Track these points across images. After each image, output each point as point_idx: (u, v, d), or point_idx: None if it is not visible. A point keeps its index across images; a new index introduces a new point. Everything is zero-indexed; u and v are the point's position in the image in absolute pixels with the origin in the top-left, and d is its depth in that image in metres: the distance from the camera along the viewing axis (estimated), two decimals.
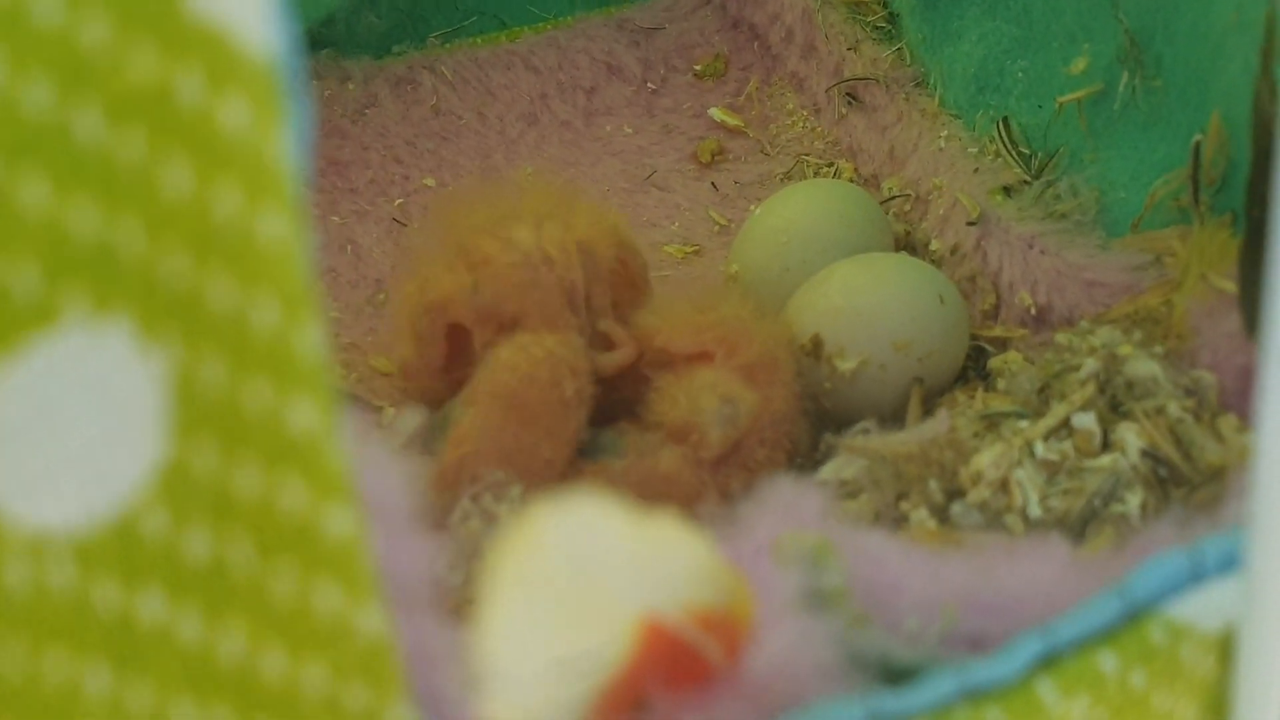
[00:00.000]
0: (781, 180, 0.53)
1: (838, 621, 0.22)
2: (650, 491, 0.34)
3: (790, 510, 0.25)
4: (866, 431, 0.35)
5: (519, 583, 0.17)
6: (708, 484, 0.35)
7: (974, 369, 0.44)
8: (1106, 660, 0.21)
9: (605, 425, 0.35)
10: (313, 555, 0.16)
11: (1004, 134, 0.47)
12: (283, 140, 0.15)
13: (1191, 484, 0.33)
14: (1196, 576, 0.22)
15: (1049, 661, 0.21)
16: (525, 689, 0.16)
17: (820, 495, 0.26)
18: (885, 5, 0.53)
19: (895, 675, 0.22)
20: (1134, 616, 0.21)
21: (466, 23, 0.57)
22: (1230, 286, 0.36)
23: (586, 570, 0.17)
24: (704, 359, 0.36)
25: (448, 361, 0.35)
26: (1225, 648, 0.21)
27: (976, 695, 0.21)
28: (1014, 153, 0.47)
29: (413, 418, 0.20)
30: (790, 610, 0.22)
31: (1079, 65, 0.44)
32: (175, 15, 0.15)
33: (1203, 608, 0.21)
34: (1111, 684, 0.21)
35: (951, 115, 0.49)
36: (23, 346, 0.15)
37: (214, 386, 0.16)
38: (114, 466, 0.15)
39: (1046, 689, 0.21)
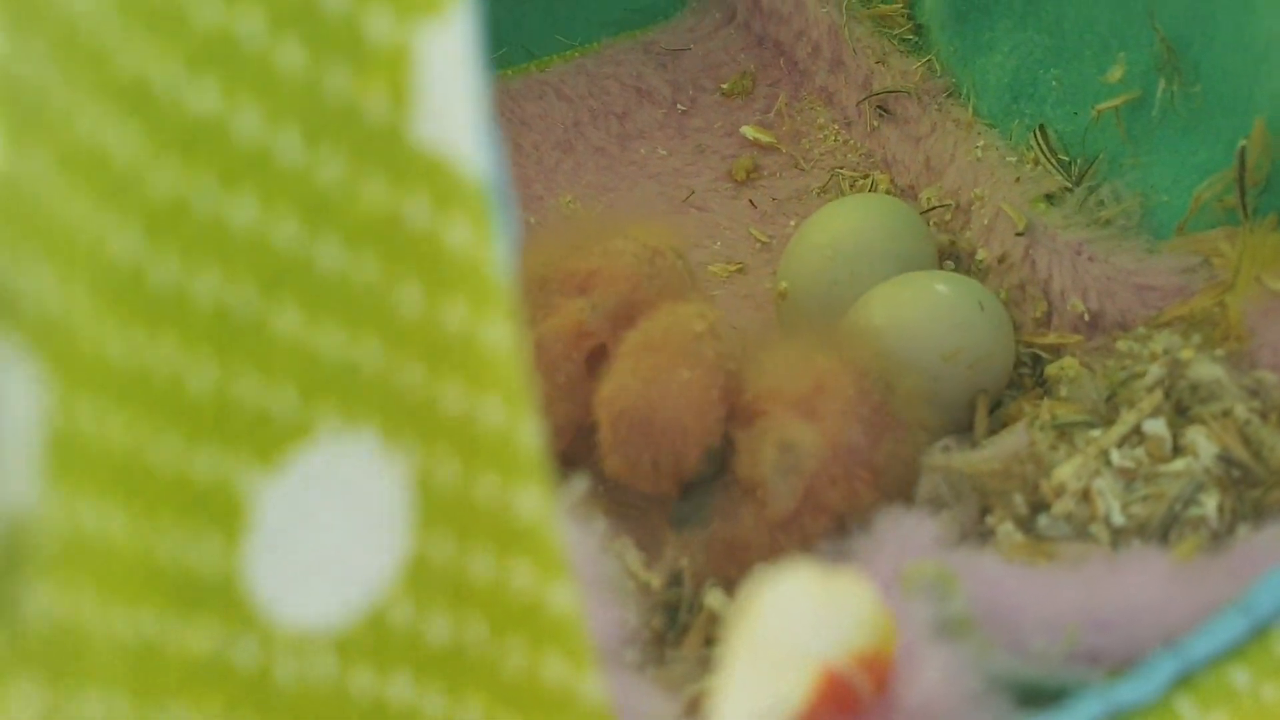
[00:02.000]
0: (818, 195, 0.54)
1: (971, 648, 0.24)
2: (729, 558, 0.33)
3: (905, 541, 0.27)
4: (947, 449, 0.36)
5: (743, 647, 0.18)
6: (781, 540, 0.33)
7: (1031, 376, 0.45)
8: (1239, 675, 0.22)
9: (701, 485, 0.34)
10: (540, 631, 0.17)
11: (1042, 142, 0.48)
12: (499, 254, 0.16)
13: (1265, 484, 0.35)
14: None
15: (1185, 679, 0.22)
16: None
17: (932, 524, 0.27)
18: (911, 18, 0.53)
19: (1030, 695, 0.23)
20: (1259, 631, 0.23)
21: (497, 54, 0.57)
22: None
23: (786, 633, 0.18)
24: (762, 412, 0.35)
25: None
26: None
27: (1121, 715, 0.22)
28: (1053, 160, 0.47)
29: (580, 483, 0.22)
30: (931, 641, 0.23)
31: (1115, 73, 0.45)
32: (402, 147, 0.16)
33: None
34: (1246, 699, 0.22)
35: (986, 125, 0.49)
36: (285, 461, 0.16)
37: (449, 483, 0.17)
38: (365, 563, 0.17)
39: (1186, 706, 0.22)
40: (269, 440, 0.16)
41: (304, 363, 0.16)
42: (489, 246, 0.16)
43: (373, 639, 0.17)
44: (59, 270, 0.15)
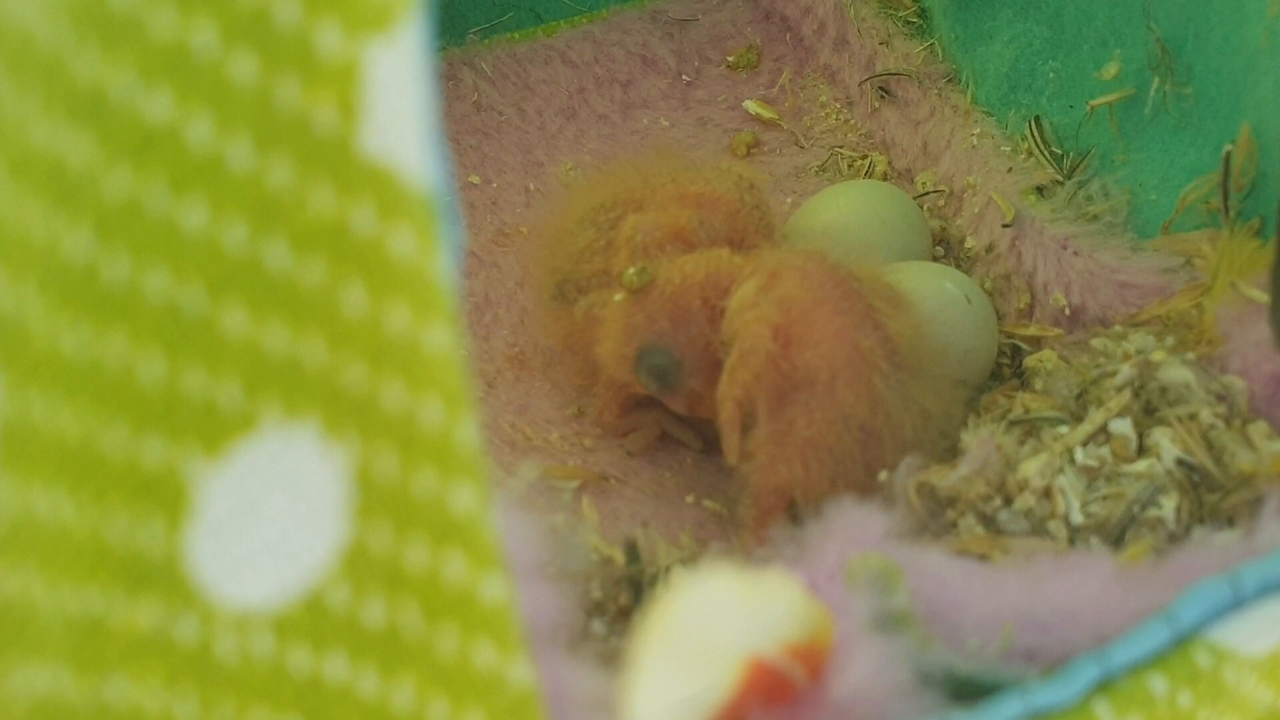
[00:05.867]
0: (816, 173, 0.54)
1: (907, 642, 0.25)
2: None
3: (854, 532, 0.27)
4: (917, 467, 0.36)
5: (655, 644, 0.19)
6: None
7: (1010, 366, 0.45)
8: (1157, 683, 0.23)
9: None
10: (472, 618, 0.18)
11: (1036, 133, 0.48)
12: (442, 261, 0.17)
13: (1224, 489, 0.35)
14: (1237, 602, 0.24)
15: (1105, 684, 0.23)
16: None
17: (882, 517, 0.28)
18: (916, 1, 0.53)
19: (960, 689, 0.24)
20: (1181, 641, 0.23)
21: (504, 18, 0.57)
22: (1259, 295, 0.38)
23: (706, 627, 0.19)
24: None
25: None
26: (1266, 669, 0.23)
27: (1040, 716, 0.23)
28: (1046, 152, 0.48)
29: (529, 471, 0.23)
30: (866, 634, 0.24)
31: (1110, 70, 0.45)
32: (349, 156, 0.17)
33: (1243, 632, 0.23)
34: (1161, 704, 0.23)
35: (984, 112, 0.50)
36: (229, 451, 0.17)
37: (388, 476, 0.18)
38: (304, 548, 0.18)
39: (1103, 709, 0.23)
40: (214, 431, 0.17)
41: (249, 358, 0.17)
42: (432, 255, 0.17)
43: (310, 620, 0.18)
44: (11, 270, 0.16)
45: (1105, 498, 0.35)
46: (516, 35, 0.58)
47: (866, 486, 0.35)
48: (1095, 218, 0.46)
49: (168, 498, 0.17)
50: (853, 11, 0.55)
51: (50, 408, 0.17)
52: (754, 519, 0.37)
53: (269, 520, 0.18)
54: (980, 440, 0.35)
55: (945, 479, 0.34)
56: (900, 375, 0.36)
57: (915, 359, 0.37)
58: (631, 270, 0.37)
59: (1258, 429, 0.36)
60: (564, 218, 0.42)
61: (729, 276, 0.37)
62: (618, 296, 0.37)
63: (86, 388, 0.17)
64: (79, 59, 0.16)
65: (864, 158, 0.54)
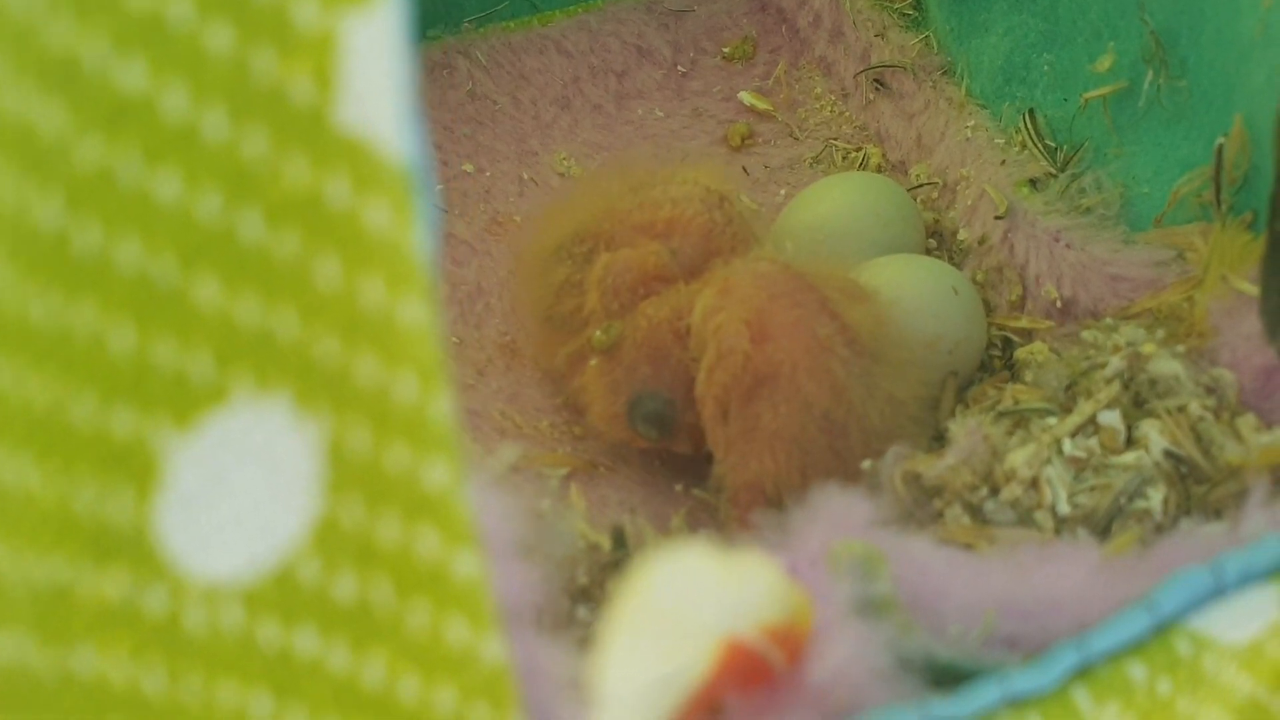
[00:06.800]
0: (811, 165, 0.54)
1: (888, 628, 0.24)
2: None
3: (839, 519, 0.27)
4: (902, 456, 0.36)
5: (629, 621, 0.19)
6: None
7: (1000, 358, 0.46)
8: (1136, 670, 0.23)
9: None
10: (444, 594, 0.18)
11: (1030, 126, 0.48)
12: (418, 235, 0.17)
13: (1211, 481, 0.35)
14: (1218, 591, 0.24)
15: (1084, 671, 0.23)
16: (628, 705, 0.19)
17: (867, 504, 0.28)
18: None
19: (940, 676, 0.24)
20: (1161, 629, 0.23)
21: (499, 7, 0.57)
22: (1250, 289, 0.38)
23: (682, 606, 0.19)
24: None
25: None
26: (1246, 658, 0.23)
27: (1018, 702, 0.23)
28: (1040, 145, 0.48)
29: (510, 452, 0.23)
30: (846, 619, 0.24)
31: (1104, 63, 0.45)
32: (325, 128, 0.17)
33: (1224, 621, 0.23)
34: (1140, 691, 0.23)
35: (978, 105, 0.50)
36: (199, 424, 0.17)
37: (360, 451, 0.18)
38: (275, 522, 0.18)
39: (1081, 696, 0.23)
40: (185, 402, 0.17)
41: (221, 330, 0.17)
42: (408, 228, 0.17)
43: (280, 593, 0.18)
44: None
45: (1092, 489, 0.35)
46: (512, 24, 0.58)
47: (838, 475, 0.35)
48: (1088, 210, 0.46)
49: (137, 468, 0.17)
50: (848, 4, 0.55)
51: (18, 376, 0.17)
52: (735, 519, 0.37)
53: (240, 493, 0.18)
54: (968, 430, 0.35)
55: (932, 468, 0.34)
56: (862, 362, 0.36)
57: (877, 347, 0.37)
58: (598, 332, 0.37)
59: (1246, 422, 0.36)
60: (540, 244, 0.41)
61: (690, 303, 0.37)
62: (592, 362, 0.37)
63: (55, 357, 0.17)
64: (52, 27, 0.16)
65: (858, 150, 0.54)
